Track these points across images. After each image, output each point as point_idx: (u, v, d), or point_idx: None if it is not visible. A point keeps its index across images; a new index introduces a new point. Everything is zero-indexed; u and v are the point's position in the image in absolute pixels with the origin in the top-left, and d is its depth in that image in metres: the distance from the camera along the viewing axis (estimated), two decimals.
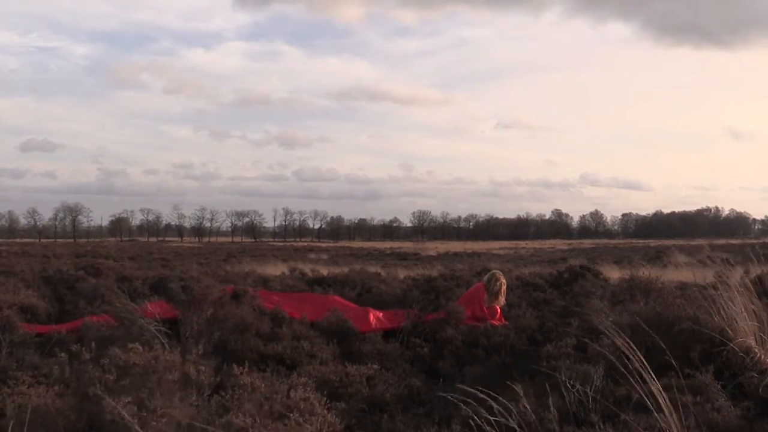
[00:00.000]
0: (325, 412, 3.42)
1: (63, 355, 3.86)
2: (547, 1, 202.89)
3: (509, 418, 3.39)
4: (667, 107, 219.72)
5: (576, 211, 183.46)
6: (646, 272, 9.84)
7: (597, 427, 3.54)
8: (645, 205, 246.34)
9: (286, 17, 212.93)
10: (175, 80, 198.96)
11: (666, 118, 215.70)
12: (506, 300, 7.99)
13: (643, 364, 3.44)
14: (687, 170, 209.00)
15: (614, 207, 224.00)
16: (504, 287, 7.90)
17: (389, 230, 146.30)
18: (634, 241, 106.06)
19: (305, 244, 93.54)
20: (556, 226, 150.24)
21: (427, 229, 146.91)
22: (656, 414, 3.23)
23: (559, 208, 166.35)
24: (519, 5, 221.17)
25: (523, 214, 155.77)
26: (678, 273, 13.62)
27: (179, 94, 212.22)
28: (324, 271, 14.67)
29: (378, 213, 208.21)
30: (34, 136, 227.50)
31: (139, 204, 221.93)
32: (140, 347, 3.56)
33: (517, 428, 3.36)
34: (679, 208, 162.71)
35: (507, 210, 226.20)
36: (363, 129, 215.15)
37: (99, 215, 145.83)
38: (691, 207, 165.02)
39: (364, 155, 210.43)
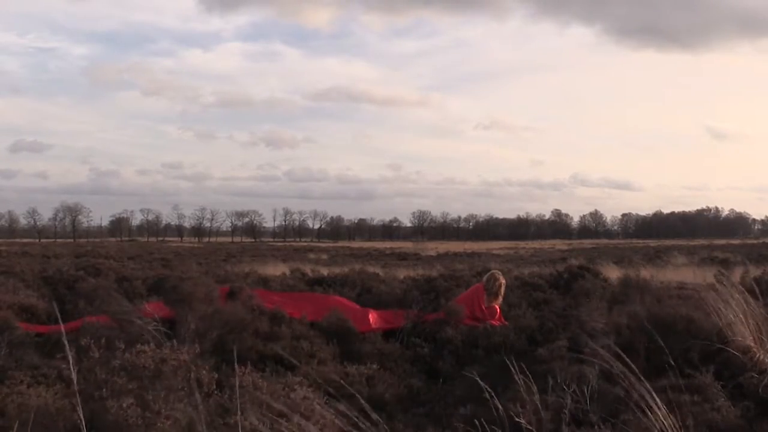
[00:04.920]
0: (325, 412, 3.41)
1: (72, 349, 3.80)
2: (509, 6, 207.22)
3: (508, 419, 3.39)
4: (647, 108, 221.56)
5: (573, 211, 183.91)
6: (645, 272, 9.84)
7: (596, 427, 3.55)
8: (640, 205, 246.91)
9: (266, 20, 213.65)
10: (159, 81, 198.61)
11: (647, 118, 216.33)
12: (505, 300, 7.98)
13: (643, 364, 3.44)
14: (675, 170, 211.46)
15: (609, 207, 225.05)
16: (503, 287, 7.90)
17: (389, 230, 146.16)
18: (634, 241, 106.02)
19: (305, 244, 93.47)
20: (556, 226, 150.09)
21: (427, 229, 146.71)
22: (656, 414, 3.23)
23: (556, 208, 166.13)
24: (482, 11, 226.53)
25: (522, 214, 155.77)
26: (677, 273, 13.62)
27: (164, 95, 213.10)
28: (324, 272, 14.66)
29: (375, 213, 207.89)
30: (24, 136, 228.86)
31: (134, 204, 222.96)
32: (147, 349, 3.53)
33: (515, 428, 3.36)
34: (676, 209, 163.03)
35: (502, 210, 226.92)
36: (348, 129, 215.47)
37: (98, 215, 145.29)
38: (689, 207, 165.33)
39: (351, 155, 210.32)
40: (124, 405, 3.17)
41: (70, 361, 3.59)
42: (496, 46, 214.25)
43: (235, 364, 3.53)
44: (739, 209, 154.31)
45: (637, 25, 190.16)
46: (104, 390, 3.27)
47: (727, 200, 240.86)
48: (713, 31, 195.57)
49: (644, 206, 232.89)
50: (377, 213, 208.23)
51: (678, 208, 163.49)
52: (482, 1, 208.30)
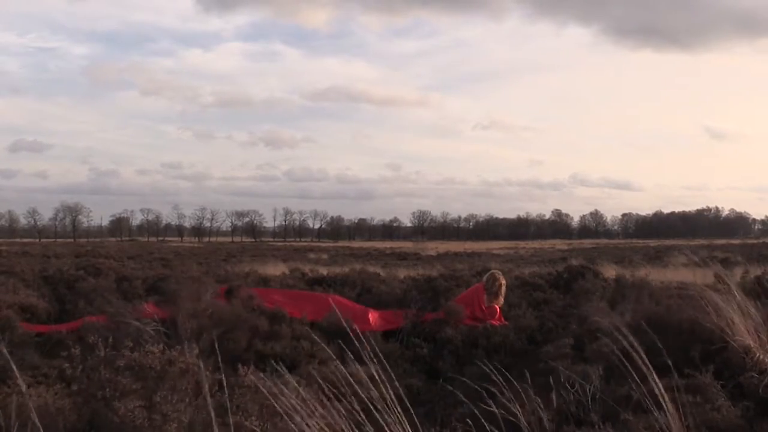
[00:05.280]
0: (324, 412, 3.41)
1: (76, 348, 3.77)
2: (506, 7, 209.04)
3: (508, 418, 3.38)
4: (646, 108, 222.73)
5: (573, 211, 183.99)
6: (643, 272, 9.84)
7: (597, 426, 3.55)
8: (640, 205, 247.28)
9: (265, 20, 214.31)
10: (158, 81, 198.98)
11: (647, 118, 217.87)
12: (506, 300, 7.98)
13: (643, 364, 3.44)
14: (674, 170, 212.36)
15: (609, 207, 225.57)
16: (503, 287, 7.90)
17: (389, 230, 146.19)
18: (634, 241, 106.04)
19: (305, 244, 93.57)
20: (556, 226, 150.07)
21: (427, 229, 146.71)
22: (656, 414, 3.23)
23: (556, 208, 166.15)
24: (479, 11, 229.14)
25: (522, 214, 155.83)
26: (678, 273, 13.60)
27: (164, 95, 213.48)
28: (324, 271, 14.65)
29: (375, 213, 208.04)
30: (24, 136, 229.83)
31: (134, 204, 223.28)
32: (155, 349, 3.51)
33: (515, 428, 3.36)
34: (676, 209, 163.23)
35: (502, 210, 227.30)
36: (347, 129, 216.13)
37: (98, 215, 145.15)
38: (689, 207, 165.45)
39: (350, 155, 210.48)
40: (131, 407, 3.16)
41: (76, 356, 3.57)
42: (495, 46, 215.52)
43: (239, 364, 3.53)
44: (739, 209, 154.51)
45: (634, 25, 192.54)
46: (107, 390, 3.26)
47: (727, 200, 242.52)
48: (711, 32, 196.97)
49: (644, 206, 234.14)
50: (377, 213, 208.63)
51: (678, 208, 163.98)
52: (480, 2, 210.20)
